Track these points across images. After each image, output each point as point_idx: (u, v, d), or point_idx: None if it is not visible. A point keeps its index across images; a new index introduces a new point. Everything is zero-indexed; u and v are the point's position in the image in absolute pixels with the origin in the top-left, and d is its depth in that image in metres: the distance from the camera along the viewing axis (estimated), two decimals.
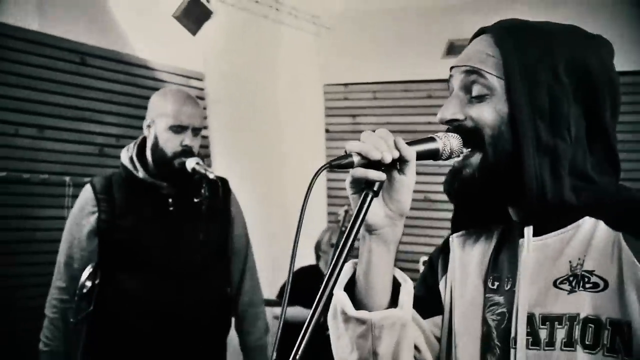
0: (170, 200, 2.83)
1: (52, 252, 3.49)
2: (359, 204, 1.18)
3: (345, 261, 1.15)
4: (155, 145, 2.80)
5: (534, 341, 1.25)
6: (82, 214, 2.82)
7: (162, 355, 2.82)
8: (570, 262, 1.25)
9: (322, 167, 1.13)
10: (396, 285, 1.29)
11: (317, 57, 5.52)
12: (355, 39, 5.35)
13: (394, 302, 1.27)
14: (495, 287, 1.35)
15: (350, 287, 1.28)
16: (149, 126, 2.85)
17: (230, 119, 4.95)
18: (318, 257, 4.70)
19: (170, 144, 2.78)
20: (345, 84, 5.54)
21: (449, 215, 1.45)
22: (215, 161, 4.76)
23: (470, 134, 1.28)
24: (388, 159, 1.17)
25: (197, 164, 2.75)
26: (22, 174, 3.63)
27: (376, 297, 1.26)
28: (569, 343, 1.21)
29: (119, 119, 4.11)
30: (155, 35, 4.34)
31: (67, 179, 3.75)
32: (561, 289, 1.24)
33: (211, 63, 4.84)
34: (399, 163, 1.20)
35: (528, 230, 1.29)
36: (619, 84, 1.31)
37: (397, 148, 1.19)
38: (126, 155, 2.85)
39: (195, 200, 2.87)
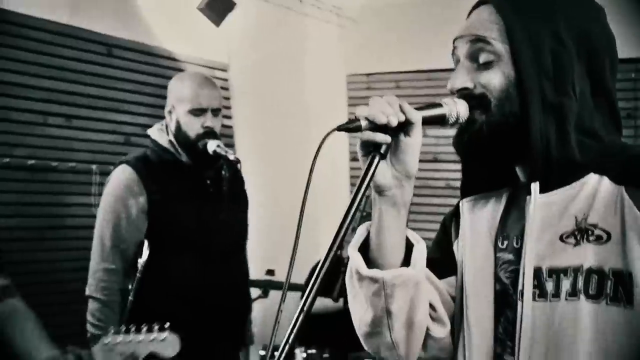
0: (208, 182, 2.90)
1: (79, 238, 3.60)
2: (366, 165, 1.25)
3: (352, 220, 1.20)
4: (178, 129, 2.87)
5: (540, 293, 1.30)
6: (128, 194, 2.81)
7: (195, 336, 2.86)
8: (575, 217, 1.30)
9: (330, 130, 1.19)
10: (410, 246, 1.34)
11: (340, 48, 5.55)
12: (378, 30, 5.37)
13: (407, 262, 1.32)
14: (504, 246, 1.40)
15: (365, 249, 1.34)
16: (170, 112, 2.91)
17: (255, 110, 5.00)
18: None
19: (193, 127, 2.84)
20: (368, 74, 5.57)
21: None
22: (240, 151, 4.81)
23: (478, 99, 1.33)
24: (394, 123, 1.23)
25: (218, 146, 2.82)
26: (51, 162, 3.72)
27: (389, 257, 1.32)
28: (572, 293, 1.26)
29: (145, 109, 4.19)
30: (180, 27, 4.41)
31: (94, 167, 3.83)
32: (567, 242, 1.29)
33: (235, 54, 4.89)
34: (405, 126, 1.26)
35: (535, 187, 1.34)
36: (615, 43, 1.37)
37: (402, 112, 1.25)
38: (163, 138, 2.89)
39: (225, 187, 2.94)
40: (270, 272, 4.10)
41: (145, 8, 4.23)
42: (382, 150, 1.25)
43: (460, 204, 1.50)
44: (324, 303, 3.82)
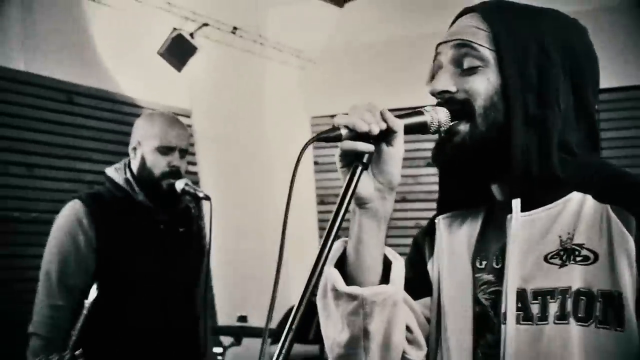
0: (162, 226, 2.82)
1: None
2: (348, 177, 1.18)
3: (336, 236, 1.13)
4: (142, 166, 2.79)
5: (525, 316, 1.24)
6: (77, 229, 2.71)
7: None
8: (560, 236, 1.25)
9: (310, 140, 1.14)
10: (387, 264, 1.27)
11: (303, 90, 5.56)
12: (339, 71, 5.40)
13: (385, 280, 1.25)
14: (483, 266, 1.34)
15: (341, 265, 1.26)
16: (134, 148, 2.84)
17: (219, 154, 4.96)
18: None
19: (158, 165, 2.78)
20: (332, 116, 5.54)
21: None
22: None
23: (460, 105, 1.28)
24: (375, 131, 1.17)
25: (187, 184, 2.75)
26: (12, 212, 3.62)
27: (367, 274, 1.25)
28: (561, 316, 1.21)
29: (108, 157, 4.11)
30: (141, 72, 4.37)
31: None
32: (552, 263, 1.24)
33: (198, 99, 4.86)
34: (387, 135, 1.20)
35: (516, 203, 1.29)
36: (598, 63, 1.34)
37: (384, 120, 1.19)
38: (120, 176, 2.82)
39: (181, 229, 2.86)
40: (242, 318, 4.00)
41: (105, 53, 4.19)
42: (364, 160, 1.18)
43: (436, 221, 1.44)
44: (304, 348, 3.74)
